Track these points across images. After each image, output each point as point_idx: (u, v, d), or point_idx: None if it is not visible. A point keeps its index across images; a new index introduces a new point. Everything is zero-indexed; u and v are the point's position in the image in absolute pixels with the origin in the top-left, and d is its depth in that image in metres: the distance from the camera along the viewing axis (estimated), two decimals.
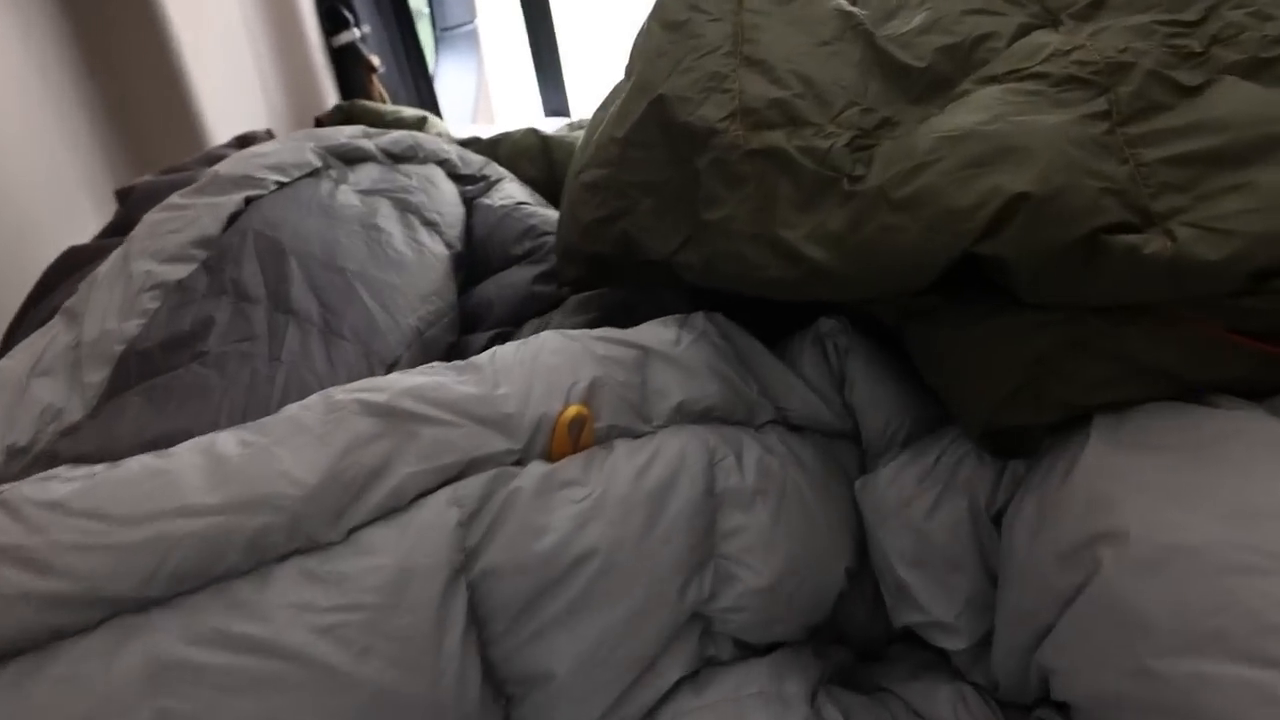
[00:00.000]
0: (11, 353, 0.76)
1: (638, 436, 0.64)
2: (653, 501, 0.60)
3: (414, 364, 0.74)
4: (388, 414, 0.56)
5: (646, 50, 0.79)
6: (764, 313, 0.76)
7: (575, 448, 0.61)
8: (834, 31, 0.74)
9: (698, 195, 0.68)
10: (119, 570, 0.48)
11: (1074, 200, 0.55)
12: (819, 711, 0.63)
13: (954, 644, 0.66)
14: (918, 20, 0.75)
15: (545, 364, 0.63)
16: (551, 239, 0.90)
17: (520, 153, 1.14)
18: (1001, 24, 0.74)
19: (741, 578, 0.63)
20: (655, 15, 0.82)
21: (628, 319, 0.77)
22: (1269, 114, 0.58)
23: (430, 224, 0.89)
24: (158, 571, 0.48)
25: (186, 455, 0.54)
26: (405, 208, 0.89)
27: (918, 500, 0.67)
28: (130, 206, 0.97)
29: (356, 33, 1.91)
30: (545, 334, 0.67)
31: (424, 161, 0.99)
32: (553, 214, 0.95)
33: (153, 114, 1.31)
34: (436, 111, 2.03)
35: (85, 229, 1.01)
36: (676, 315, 0.73)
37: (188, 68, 1.28)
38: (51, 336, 0.76)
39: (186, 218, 0.82)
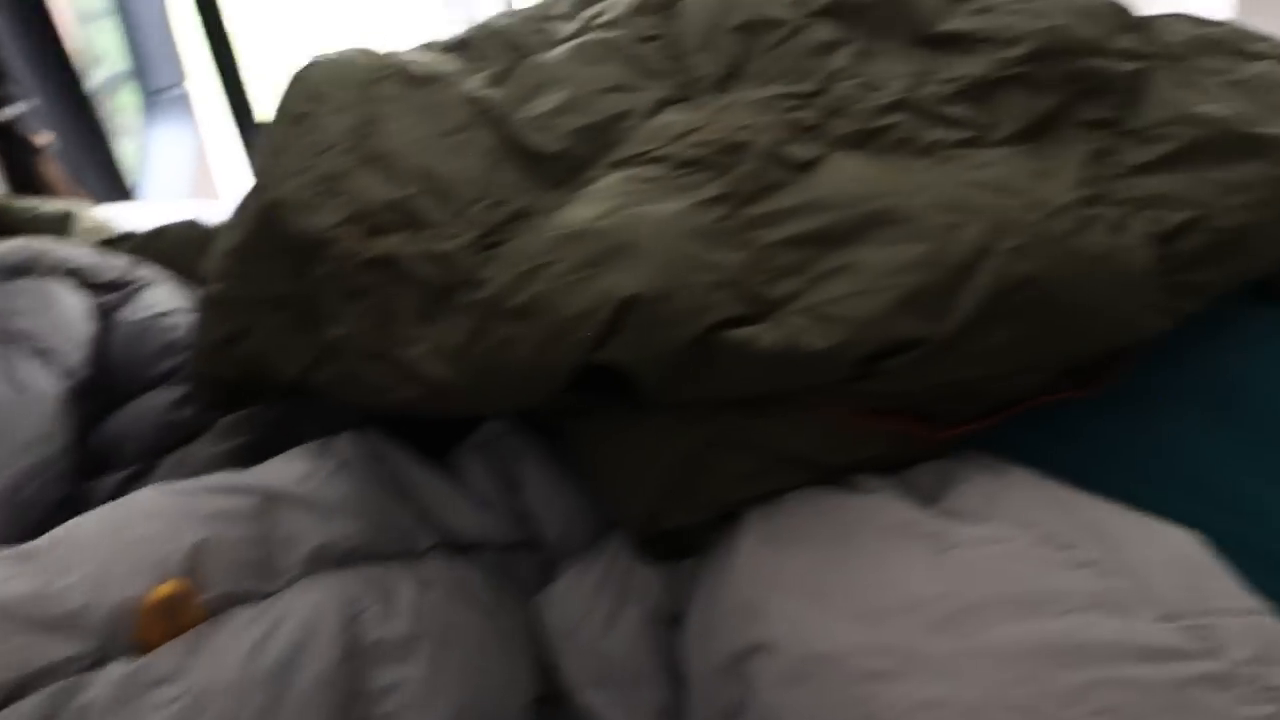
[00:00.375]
0: None
1: (262, 599, 0.56)
2: (273, 682, 0.52)
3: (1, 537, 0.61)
4: None
5: (267, 148, 0.71)
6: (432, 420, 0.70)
7: (174, 631, 0.52)
8: (463, 119, 0.69)
9: (309, 314, 0.61)
10: None
11: (685, 299, 0.52)
12: None
13: None
14: (557, 99, 0.72)
15: (133, 535, 0.54)
16: None
17: (179, 248, 1.02)
18: (637, 100, 0.72)
19: None
20: (279, 107, 0.74)
21: (286, 439, 0.69)
22: (871, 191, 0.58)
23: (40, 352, 0.76)
24: None
25: None
26: (6, 338, 0.76)
27: (593, 614, 0.63)
28: None
29: (19, 107, 1.70)
30: (140, 494, 0.58)
31: (44, 274, 0.86)
32: None
33: None
34: (124, 192, 1.84)
35: None
36: (316, 442, 0.65)
37: None
38: None
39: None
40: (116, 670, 0.49)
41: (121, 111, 2.45)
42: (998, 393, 0.58)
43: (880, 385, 0.53)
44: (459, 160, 0.66)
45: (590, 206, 0.59)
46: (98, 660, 0.49)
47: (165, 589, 0.52)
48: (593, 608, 0.63)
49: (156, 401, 0.78)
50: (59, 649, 0.48)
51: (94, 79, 1.98)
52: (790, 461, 0.57)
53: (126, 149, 2.14)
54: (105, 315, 0.87)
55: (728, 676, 0.54)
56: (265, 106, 2.12)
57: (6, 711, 0.46)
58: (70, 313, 0.83)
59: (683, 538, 0.60)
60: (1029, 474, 0.57)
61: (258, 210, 0.65)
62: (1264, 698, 0.45)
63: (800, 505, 0.57)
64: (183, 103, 2.66)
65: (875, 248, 0.55)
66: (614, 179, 0.62)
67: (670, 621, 0.63)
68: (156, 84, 2.66)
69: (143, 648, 0.51)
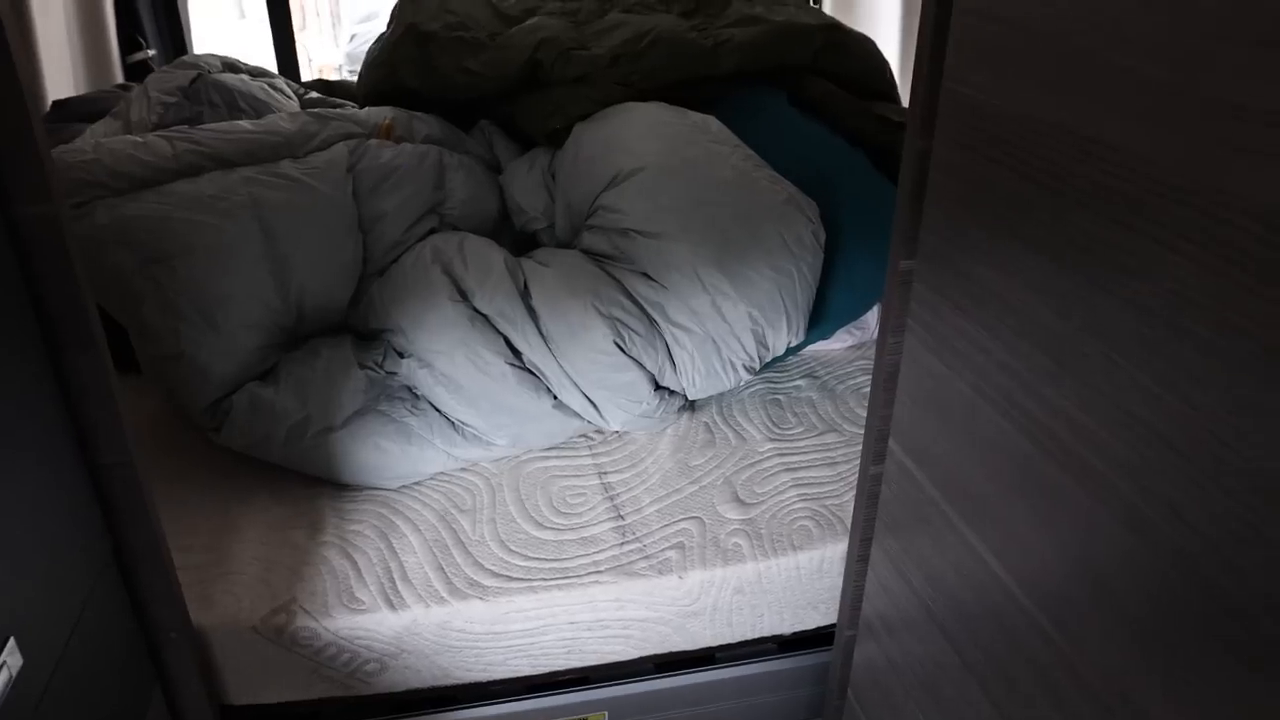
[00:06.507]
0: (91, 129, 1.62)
1: (411, 142, 1.65)
2: (418, 158, 1.61)
3: None
4: (318, 116, 1.53)
5: (402, 8, 1.83)
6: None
7: (387, 137, 1.61)
8: (481, 3, 1.85)
9: (429, 59, 1.73)
10: (224, 152, 1.41)
11: (561, 39, 1.68)
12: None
13: (538, 225, 1.72)
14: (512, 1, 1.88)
15: (375, 110, 1.64)
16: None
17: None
18: (546, 4, 1.89)
19: (455, 195, 1.64)
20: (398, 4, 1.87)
21: None
22: (621, 20, 1.76)
23: (279, 89, 1.86)
24: (247, 154, 1.42)
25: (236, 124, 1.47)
26: (272, 86, 1.85)
27: (520, 167, 1.75)
28: (61, 112, 1.83)
29: (147, 53, 2.72)
30: None
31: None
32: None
33: None
34: None
35: None
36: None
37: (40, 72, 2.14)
38: (107, 124, 1.62)
39: (173, 77, 1.71)
40: (374, 142, 1.57)
41: None
42: (668, 80, 1.73)
43: (620, 71, 1.69)
44: (479, 12, 1.80)
45: (525, 24, 1.74)
46: (368, 136, 1.58)
47: (388, 121, 1.61)
48: (520, 165, 1.75)
49: None
50: (360, 130, 1.57)
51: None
52: (596, 102, 1.70)
53: None
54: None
55: (561, 156, 1.67)
56: None
57: (347, 140, 1.54)
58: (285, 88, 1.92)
59: (558, 134, 1.72)
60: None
61: (403, 28, 1.77)
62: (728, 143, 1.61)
63: (601, 114, 1.71)
64: None
65: (620, 32, 1.72)
66: (535, 18, 1.78)
67: (551, 175, 1.75)
68: None
69: (380, 138, 1.60)
